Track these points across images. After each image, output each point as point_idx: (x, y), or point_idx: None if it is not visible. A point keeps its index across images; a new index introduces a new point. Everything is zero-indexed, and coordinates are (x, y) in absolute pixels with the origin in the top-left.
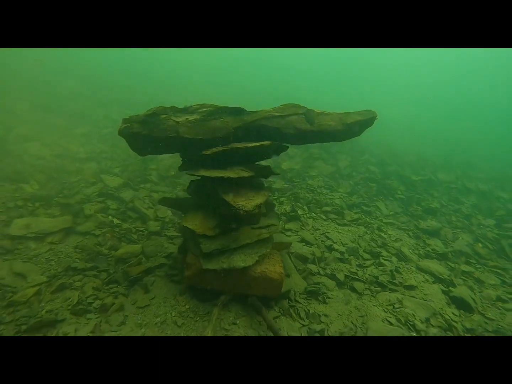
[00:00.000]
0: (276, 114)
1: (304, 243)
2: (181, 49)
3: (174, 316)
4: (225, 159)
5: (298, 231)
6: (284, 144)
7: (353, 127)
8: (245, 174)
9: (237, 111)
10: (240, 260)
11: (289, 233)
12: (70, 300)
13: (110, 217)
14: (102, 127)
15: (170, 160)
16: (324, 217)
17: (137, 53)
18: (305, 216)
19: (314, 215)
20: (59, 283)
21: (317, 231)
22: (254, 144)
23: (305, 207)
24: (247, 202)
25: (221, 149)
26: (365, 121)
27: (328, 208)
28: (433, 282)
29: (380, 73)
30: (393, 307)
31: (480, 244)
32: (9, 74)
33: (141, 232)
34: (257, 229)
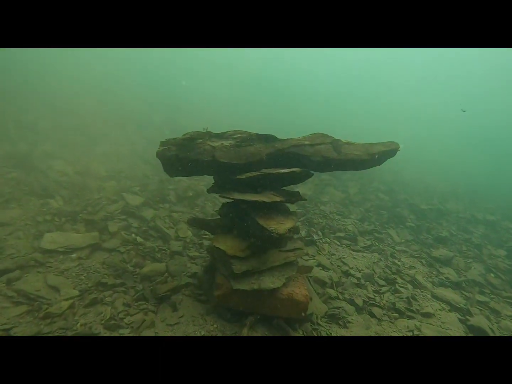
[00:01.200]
0: (306, 142)
1: (321, 268)
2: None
3: (203, 335)
4: (257, 183)
5: (315, 256)
6: (311, 171)
7: (377, 157)
8: (277, 199)
9: (269, 138)
10: (269, 282)
11: (306, 257)
12: (102, 314)
13: (133, 235)
14: (120, 146)
15: (188, 182)
16: (338, 243)
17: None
18: (320, 241)
19: (328, 240)
20: (91, 298)
21: (333, 256)
22: (286, 170)
23: (319, 232)
24: (278, 225)
25: (255, 174)
26: (388, 152)
27: (341, 234)
28: (450, 311)
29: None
30: (412, 333)
31: (492, 274)
32: (31, 91)
33: (164, 251)
34: (285, 252)
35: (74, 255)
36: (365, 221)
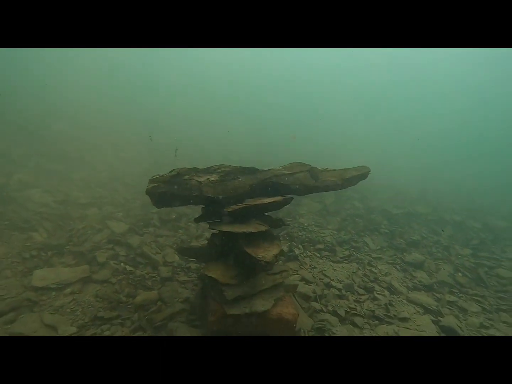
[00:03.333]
0: (286, 172)
1: (304, 282)
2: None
3: None
4: (242, 213)
5: (297, 271)
6: (291, 196)
7: (351, 181)
8: (263, 228)
9: (251, 170)
10: (260, 305)
11: (290, 269)
12: None
13: (122, 264)
14: (99, 170)
15: None
16: (319, 255)
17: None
18: (301, 255)
19: (309, 253)
20: (90, 333)
21: (314, 269)
22: (268, 200)
23: (300, 246)
24: (265, 253)
25: (241, 206)
26: (361, 175)
27: (321, 246)
28: (423, 313)
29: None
30: None
31: (460, 274)
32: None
33: (154, 278)
34: (272, 275)
35: (67, 290)
36: (342, 231)
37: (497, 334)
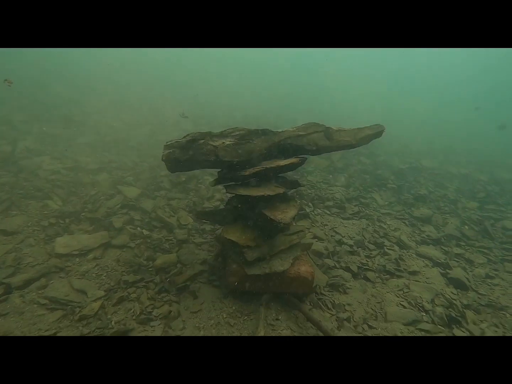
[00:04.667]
0: (300, 133)
1: (317, 239)
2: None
3: (225, 318)
4: (259, 176)
5: (309, 228)
6: (306, 156)
7: (364, 140)
8: (280, 190)
9: (266, 132)
10: (279, 265)
11: (306, 228)
12: (132, 311)
13: (138, 228)
14: (104, 134)
15: None
16: (329, 212)
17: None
18: (312, 213)
19: (319, 211)
20: (118, 296)
21: (325, 227)
22: (284, 162)
23: (310, 204)
24: (283, 215)
25: (257, 169)
26: (375, 134)
27: (330, 203)
28: (432, 266)
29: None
30: (403, 291)
31: (466, 227)
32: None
33: (171, 241)
34: (289, 236)
35: (90, 256)
36: (350, 187)
37: (502, 283)
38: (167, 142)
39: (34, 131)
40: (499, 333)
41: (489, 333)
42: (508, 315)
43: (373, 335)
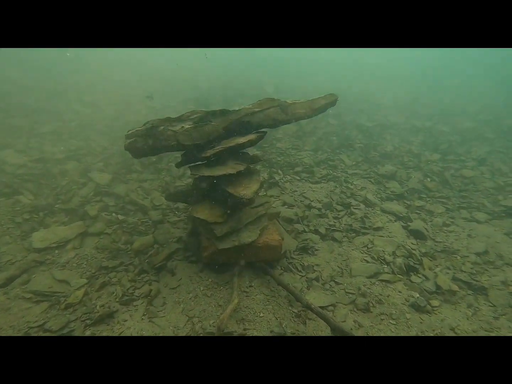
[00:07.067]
0: (256, 110)
1: (286, 206)
2: None
3: (203, 290)
4: (220, 155)
5: (279, 196)
6: (265, 130)
7: (320, 109)
8: (241, 167)
9: (223, 112)
10: (247, 237)
11: (272, 199)
12: (114, 294)
13: (113, 214)
14: (68, 121)
15: None
16: (298, 178)
17: None
18: (282, 180)
19: (289, 177)
20: (100, 282)
21: (295, 193)
22: (243, 140)
23: (279, 171)
24: (246, 190)
25: (217, 149)
26: (330, 103)
27: (299, 169)
28: (395, 221)
29: None
30: (367, 247)
31: (429, 179)
32: None
33: (146, 223)
34: (255, 208)
35: (69, 247)
36: (318, 151)
37: (457, 229)
38: (127, 132)
39: None
40: (450, 274)
41: (442, 275)
42: (459, 257)
43: (373, 335)
